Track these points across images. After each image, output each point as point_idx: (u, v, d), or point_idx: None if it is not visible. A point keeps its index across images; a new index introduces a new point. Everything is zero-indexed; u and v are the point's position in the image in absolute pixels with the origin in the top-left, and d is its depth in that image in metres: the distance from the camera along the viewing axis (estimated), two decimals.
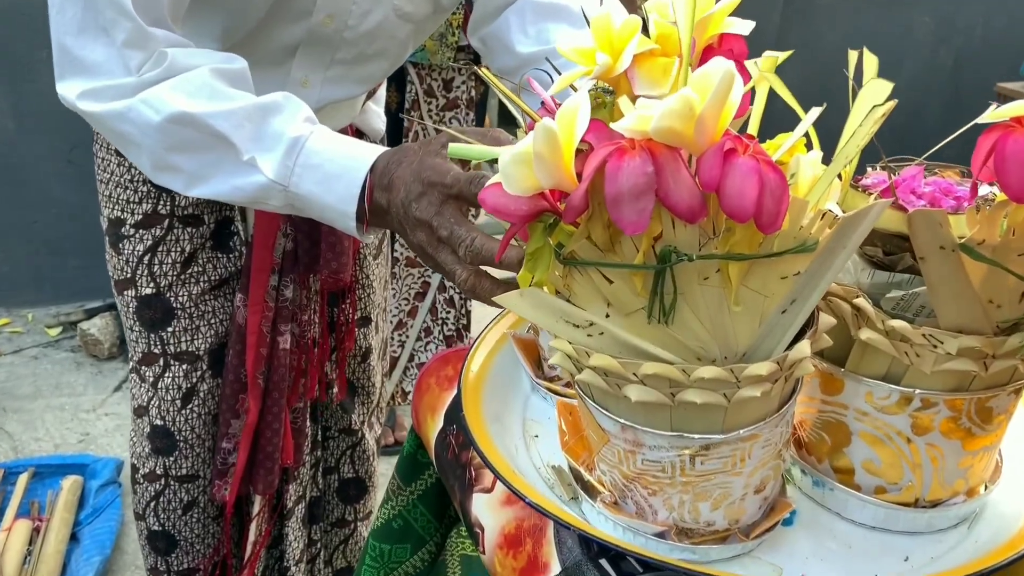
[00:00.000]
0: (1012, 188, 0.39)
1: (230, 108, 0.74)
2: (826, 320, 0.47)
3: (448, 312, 2.01)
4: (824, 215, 0.43)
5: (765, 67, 0.51)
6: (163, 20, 0.76)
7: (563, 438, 0.58)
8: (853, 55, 0.50)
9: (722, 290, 0.44)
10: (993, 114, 0.41)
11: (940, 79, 3.33)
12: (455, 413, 0.67)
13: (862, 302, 0.48)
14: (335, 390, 1.20)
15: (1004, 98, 2.45)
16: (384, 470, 1.27)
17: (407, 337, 1.99)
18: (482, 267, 0.64)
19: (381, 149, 0.75)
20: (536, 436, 0.64)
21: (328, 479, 1.28)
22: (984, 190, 0.49)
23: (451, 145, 0.54)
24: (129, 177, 1.00)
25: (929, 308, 0.47)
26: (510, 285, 0.61)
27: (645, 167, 0.40)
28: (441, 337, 2.04)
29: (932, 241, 0.43)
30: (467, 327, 2.04)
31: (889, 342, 0.47)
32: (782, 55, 0.53)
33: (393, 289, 1.91)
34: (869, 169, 0.55)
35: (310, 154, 0.73)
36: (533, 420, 0.66)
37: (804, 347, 0.45)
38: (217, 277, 1.06)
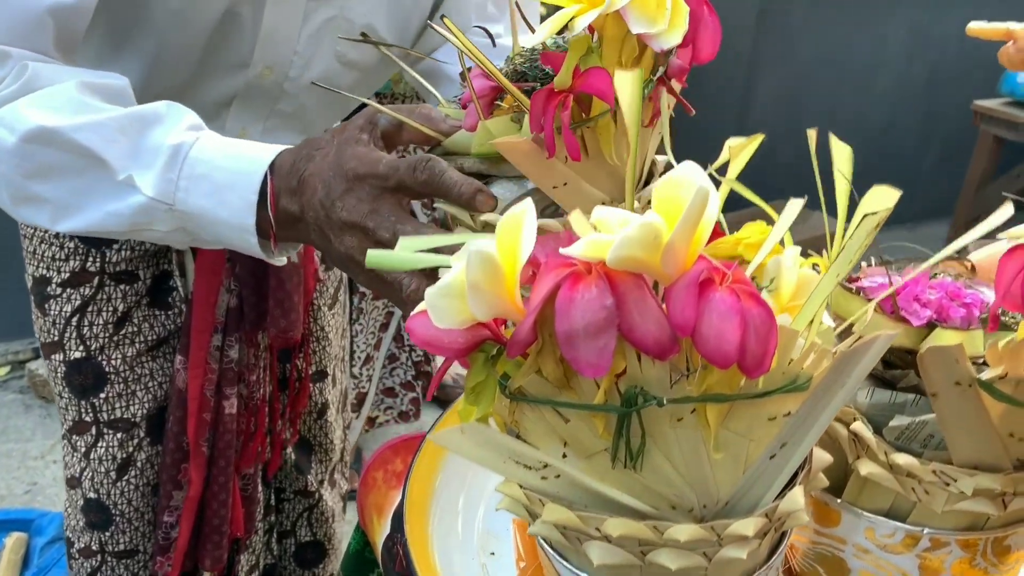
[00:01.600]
0: None
1: (99, 120, 0.62)
2: (821, 458, 0.40)
3: None
4: (819, 349, 0.36)
5: (732, 153, 0.44)
6: (49, 52, 0.65)
7: (519, 564, 0.51)
8: (812, 133, 0.43)
9: (699, 433, 0.37)
10: (1017, 230, 0.34)
11: (914, 93, 3.31)
12: (401, 523, 0.60)
13: (861, 428, 0.42)
14: (289, 451, 1.12)
15: (980, 116, 2.42)
16: (352, 517, 1.19)
17: (374, 370, 1.91)
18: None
19: (281, 147, 0.63)
20: (493, 554, 0.56)
21: (284, 544, 1.19)
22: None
23: (401, 240, 0.44)
24: (54, 232, 0.92)
25: (939, 437, 0.41)
26: None
27: (603, 299, 0.33)
28: (409, 363, 1.96)
29: (947, 378, 0.36)
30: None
31: (894, 478, 0.41)
32: (749, 145, 0.46)
33: (359, 325, 1.83)
34: (864, 265, 0.48)
35: (195, 163, 0.62)
36: (492, 534, 0.58)
37: (797, 496, 0.38)
38: (155, 337, 0.98)
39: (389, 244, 0.54)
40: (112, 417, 0.98)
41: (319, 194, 0.57)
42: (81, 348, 0.95)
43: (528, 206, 0.35)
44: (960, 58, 3.30)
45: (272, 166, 0.61)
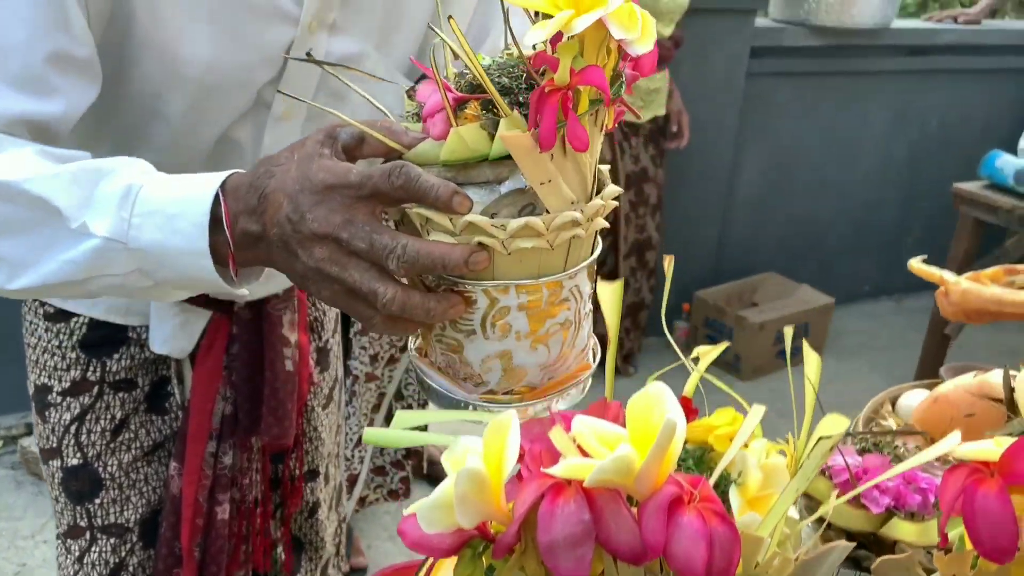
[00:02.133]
0: (984, 546, 0.35)
1: (53, 172, 0.61)
2: None
3: None
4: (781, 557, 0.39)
5: (701, 366, 0.48)
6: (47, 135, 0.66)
7: None
8: (788, 331, 0.46)
9: None
10: (960, 451, 0.37)
11: (897, 171, 3.41)
12: None
13: None
14: (280, 550, 1.13)
15: (961, 199, 2.48)
16: None
17: (365, 452, 1.92)
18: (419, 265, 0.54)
19: (232, 171, 0.62)
20: None
21: None
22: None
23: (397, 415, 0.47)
24: (57, 343, 0.95)
25: None
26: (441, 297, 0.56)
27: (582, 514, 0.36)
28: None
29: None
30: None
31: None
32: (715, 351, 0.49)
33: (351, 408, 1.85)
34: None
35: (147, 199, 0.61)
36: None
37: None
38: (151, 442, 1.00)
39: (365, 254, 0.54)
40: (106, 522, 0.99)
41: (285, 209, 0.56)
42: (79, 455, 0.97)
43: (512, 421, 0.38)
44: (940, 138, 3.40)
45: (224, 188, 0.60)
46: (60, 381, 0.95)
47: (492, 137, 0.53)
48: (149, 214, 0.61)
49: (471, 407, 0.58)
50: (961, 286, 0.97)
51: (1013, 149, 2.50)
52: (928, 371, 2.41)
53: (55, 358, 0.95)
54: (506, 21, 0.57)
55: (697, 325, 3.11)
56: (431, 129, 0.56)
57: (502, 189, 0.55)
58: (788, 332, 0.48)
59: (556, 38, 0.52)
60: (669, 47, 2.49)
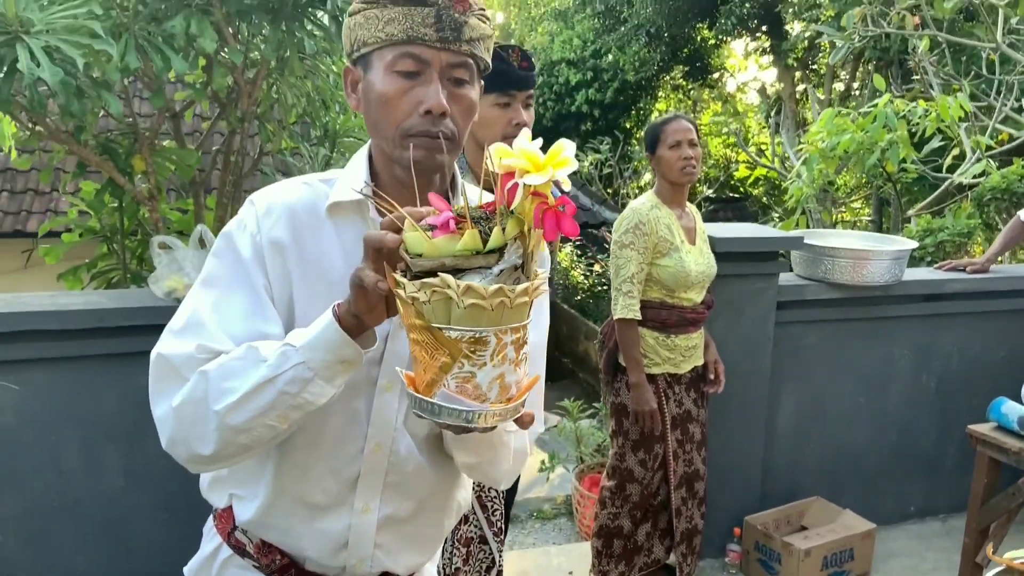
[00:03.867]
0: None
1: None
2: None
3: None
4: None
5: None
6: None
7: None
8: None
9: None
10: None
11: (927, 398, 3.71)
12: None
13: None
14: None
15: (976, 440, 2.79)
16: None
17: None
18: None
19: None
20: None
21: None
22: None
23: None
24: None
25: None
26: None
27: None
28: None
29: None
30: None
31: None
32: None
33: None
34: None
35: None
36: None
37: None
38: None
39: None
40: None
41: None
42: None
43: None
44: (965, 371, 3.72)
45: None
46: None
47: (484, 241, 0.90)
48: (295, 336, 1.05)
49: (482, 416, 0.90)
50: None
51: None
52: None
53: None
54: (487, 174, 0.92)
55: (748, 549, 3.36)
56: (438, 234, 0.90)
57: (495, 270, 0.90)
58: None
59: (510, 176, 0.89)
60: (702, 310, 2.97)
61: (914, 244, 3.48)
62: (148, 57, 2.72)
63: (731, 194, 14.70)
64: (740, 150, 14.02)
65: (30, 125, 2.80)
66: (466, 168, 2.09)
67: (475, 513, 2.18)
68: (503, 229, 0.89)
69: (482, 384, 0.89)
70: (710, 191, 12.51)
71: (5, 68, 2.42)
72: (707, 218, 3.40)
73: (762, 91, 14.68)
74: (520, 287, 0.89)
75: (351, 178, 1.16)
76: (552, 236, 0.90)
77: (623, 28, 14.71)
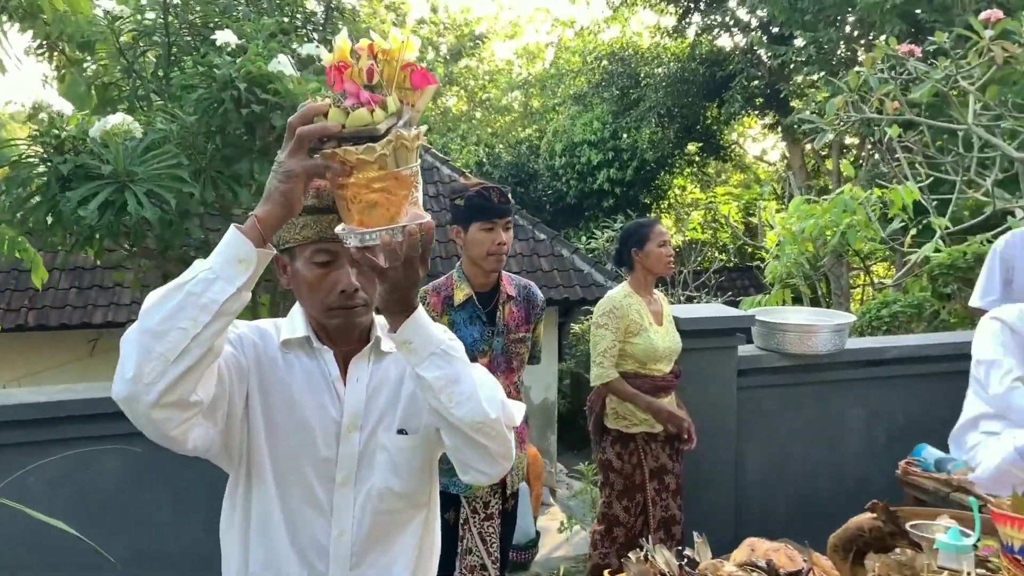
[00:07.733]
0: None
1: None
2: None
3: None
4: None
5: None
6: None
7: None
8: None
9: None
10: None
11: (877, 451, 4.25)
12: None
13: None
14: None
15: (902, 481, 3.33)
16: None
17: None
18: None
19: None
20: None
21: None
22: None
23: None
24: None
25: None
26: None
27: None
28: None
29: None
30: None
31: None
32: None
33: None
34: None
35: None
36: None
37: None
38: None
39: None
40: None
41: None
42: None
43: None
44: (910, 427, 4.25)
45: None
46: None
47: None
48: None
49: (373, 235, 1.14)
50: None
51: None
52: None
53: None
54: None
55: None
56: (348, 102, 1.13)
57: (396, 129, 1.14)
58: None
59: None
60: (671, 379, 3.58)
61: (852, 318, 4.09)
62: (220, 192, 3.47)
63: (746, 263, 15.03)
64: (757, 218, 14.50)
65: (127, 247, 3.54)
66: (463, 276, 2.75)
67: (477, 547, 2.76)
68: (398, 100, 1.17)
69: (419, 202, 1.20)
70: (726, 261, 12.88)
71: (116, 208, 3.17)
72: (721, 286, 3.96)
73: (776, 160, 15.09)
74: (414, 131, 1.16)
75: (292, 325, 1.46)
76: (422, 84, 1.15)
77: (636, 110, 15.62)
